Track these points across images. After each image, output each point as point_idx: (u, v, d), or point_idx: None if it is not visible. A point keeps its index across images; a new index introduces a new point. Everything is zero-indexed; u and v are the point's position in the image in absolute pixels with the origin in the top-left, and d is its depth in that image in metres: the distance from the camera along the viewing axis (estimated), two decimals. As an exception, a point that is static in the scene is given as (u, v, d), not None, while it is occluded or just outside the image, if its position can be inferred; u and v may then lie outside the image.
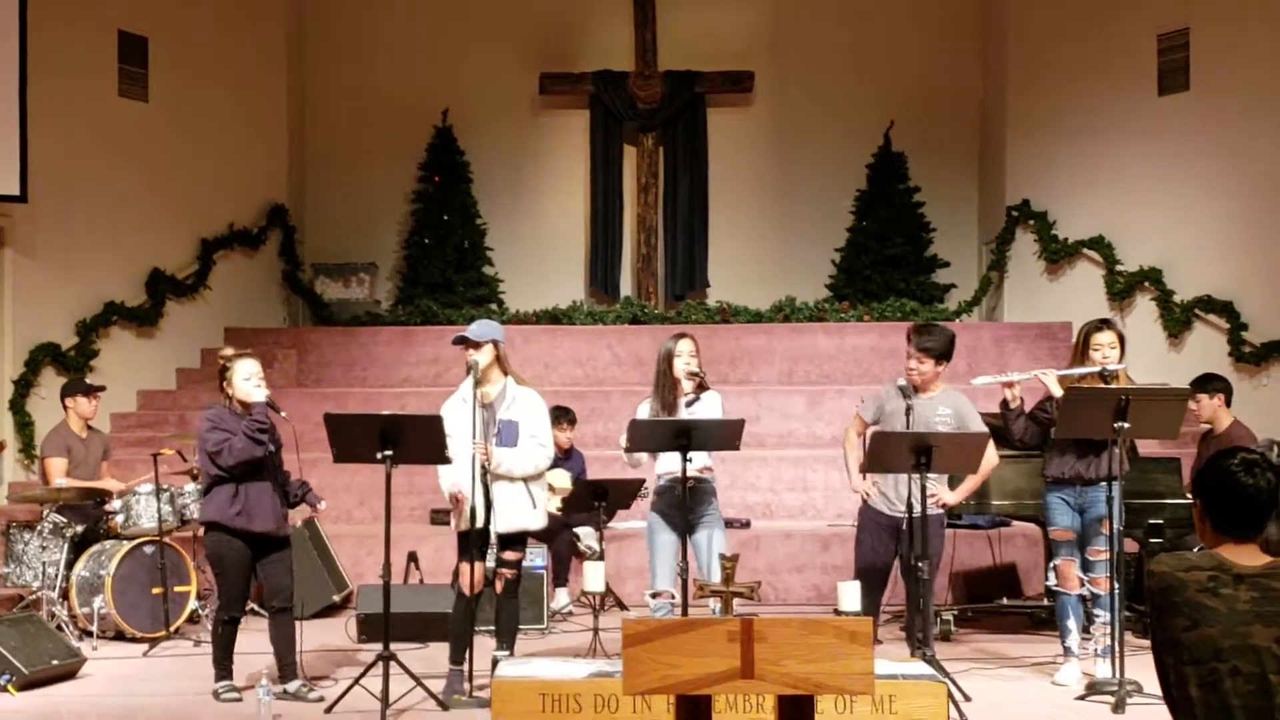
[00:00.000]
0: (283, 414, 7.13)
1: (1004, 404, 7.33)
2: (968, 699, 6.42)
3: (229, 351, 7.35)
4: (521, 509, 6.98)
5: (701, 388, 7.25)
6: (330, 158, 14.85)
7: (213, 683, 7.07)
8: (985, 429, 7.23)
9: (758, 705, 4.95)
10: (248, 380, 7.01)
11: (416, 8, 14.73)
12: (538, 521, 7.11)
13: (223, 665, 7.07)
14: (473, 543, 6.89)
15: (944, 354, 7.29)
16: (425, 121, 14.75)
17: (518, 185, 14.95)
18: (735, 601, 5.45)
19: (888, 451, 6.70)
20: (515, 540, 7.03)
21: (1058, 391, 7.08)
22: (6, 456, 11.26)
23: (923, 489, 6.79)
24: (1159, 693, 6.29)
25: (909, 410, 7.07)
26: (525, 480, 6.98)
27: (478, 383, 6.94)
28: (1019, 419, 7.28)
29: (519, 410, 6.98)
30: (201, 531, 9.38)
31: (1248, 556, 3.38)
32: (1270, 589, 3.31)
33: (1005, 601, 9.45)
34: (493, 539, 6.88)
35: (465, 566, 6.95)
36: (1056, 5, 13.45)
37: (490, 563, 6.92)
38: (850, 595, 6.13)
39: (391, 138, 14.77)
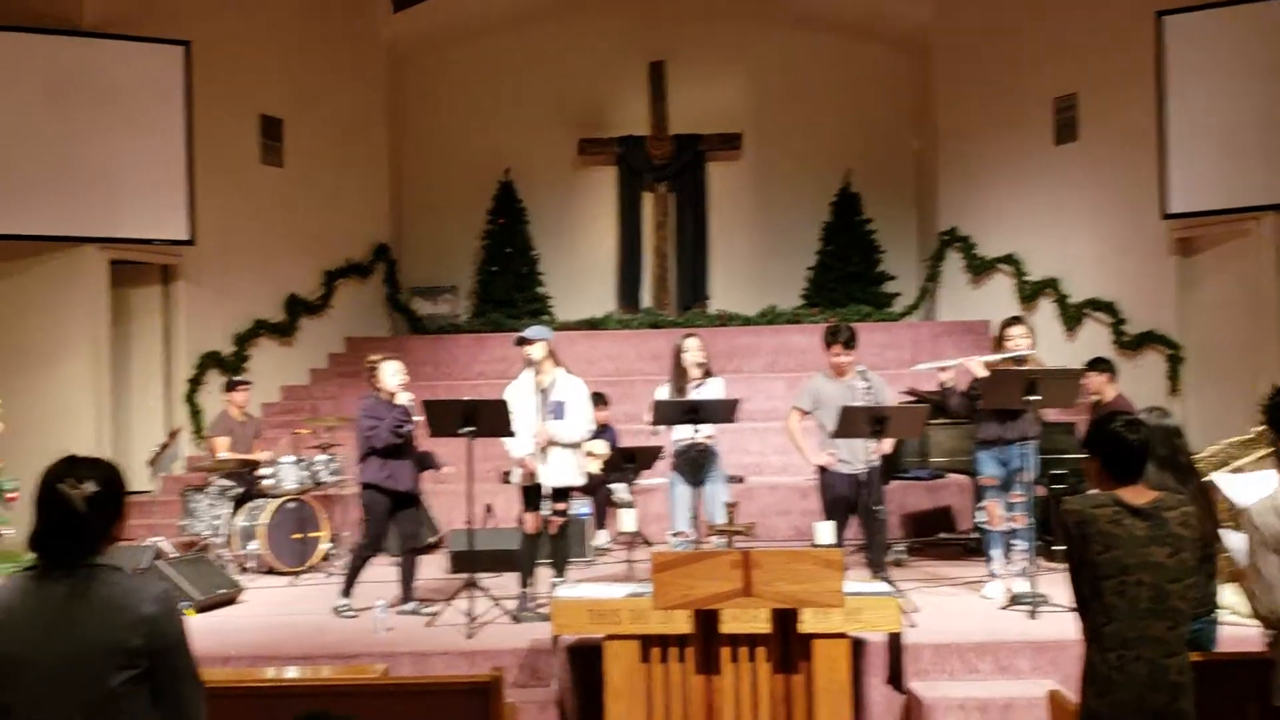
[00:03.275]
0: (416, 416, 7.13)
1: (941, 385, 7.27)
2: (916, 609, 6.38)
3: (376, 356, 7.37)
4: (568, 470, 6.99)
5: (707, 375, 7.21)
6: (421, 206, 14.83)
7: (337, 599, 7.11)
8: (895, 393, 7.19)
9: (754, 616, 4.92)
10: (394, 376, 7.12)
11: (483, 91, 14.72)
12: (579, 480, 7.13)
13: (349, 586, 7.10)
14: (533, 495, 6.92)
15: (856, 345, 7.25)
16: (492, 177, 14.75)
17: (562, 225, 14.92)
18: (736, 538, 5.42)
19: (853, 422, 6.62)
20: (563, 494, 7.03)
21: (982, 373, 7.02)
22: (182, 437, 11.31)
23: (875, 450, 6.74)
24: (1065, 603, 6.29)
25: (868, 389, 6.99)
26: (571, 447, 6.98)
27: (536, 373, 6.94)
28: (954, 396, 7.22)
29: (567, 394, 6.99)
30: (333, 491, 9.50)
31: (1137, 495, 3.37)
32: (1160, 518, 3.33)
33: (943, 535, 9.40)
34: (546, 492, 6.88)
35: (527, 514, 6.97)
36: (975, 76, 13.34)
37: (545, 511, 6.93)
38: (824, 532, 6.07)
39: (467, 190, 14.75)
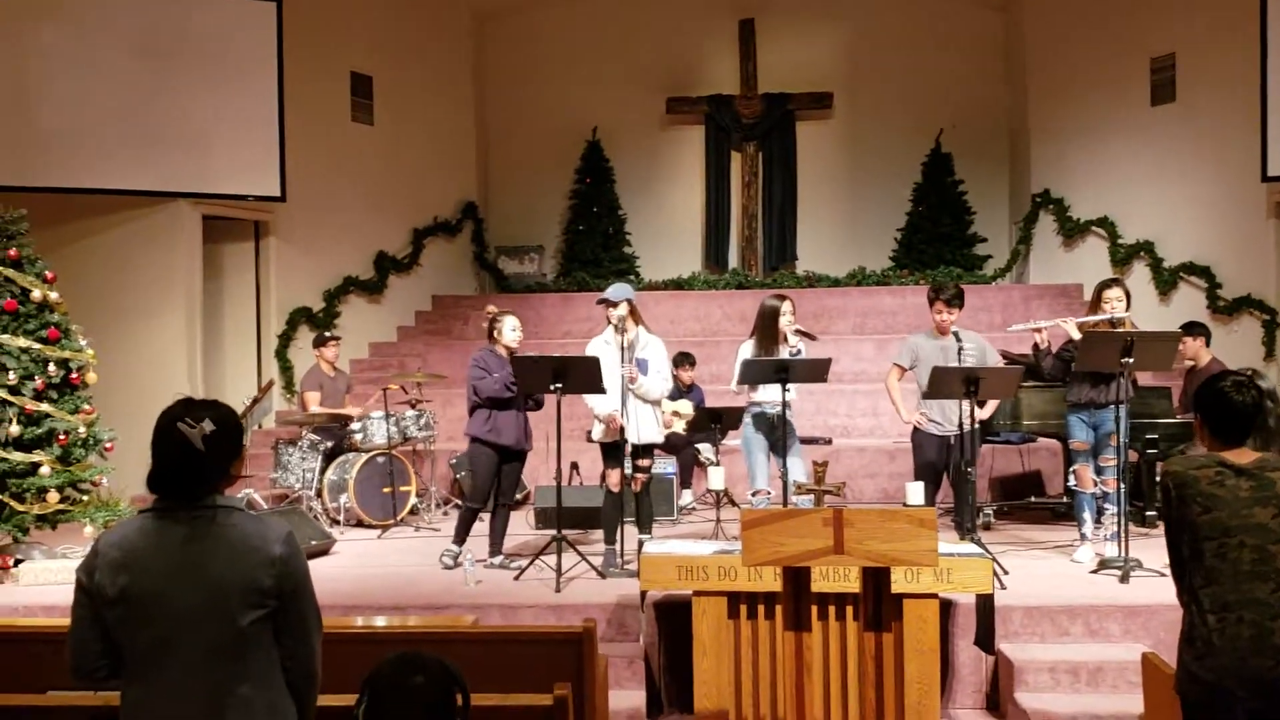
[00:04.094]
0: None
1: (1035, 346, 7.17)
2: (1006, 572, 6.31)
3: (493, 309, 7.45)
4: (649, 427, 7.04)
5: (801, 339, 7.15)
6: (508, 165, 14.88)
7: (445, 547, 7.29)
8: (999, 357, 7.13)
9: (844, 575, 4.91)
10: (514, 331, 7.23)
11: (572, 50, 14.68)
12: (659, 437, 7.18)
13: (459, 537, 7.23)
14: (617, 452, 6.97)
15: (962, 303, 7.21)
16: (579, 137, 14.73)
17: (649, 185, 14.88)
18: (826, 497, 5.41)
19: (946, 383, 6.57)
20: (646, 450, 7.08)
21: (1076, 335, 6.90)
22: (274, 392, 11.54)
23: (972, 411, 6.67)
24: (1156, 568, 6.21)
25: (960, 350, 6.93)
26: (652, 404, 7.03)
27: (619, 331, 6.98)
28: (1047, 357, 7.11)
29: (649, 352, 7.05)
30: (420, 446, 9.65)
31: (1241, 456, 3.31)
32: (1264, 479, 3.27)
33: (1033, 499, 9.30)
34: (628, 449, 6.93)
35: (611, 471, 7.02)
36: (1068, 35, 13.03)
37: (628, 469, 6.98)
38: (915, 493, 6.02)
39: (554, 149, 14.75)
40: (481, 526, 7.44)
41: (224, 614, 2.56)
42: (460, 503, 8.49)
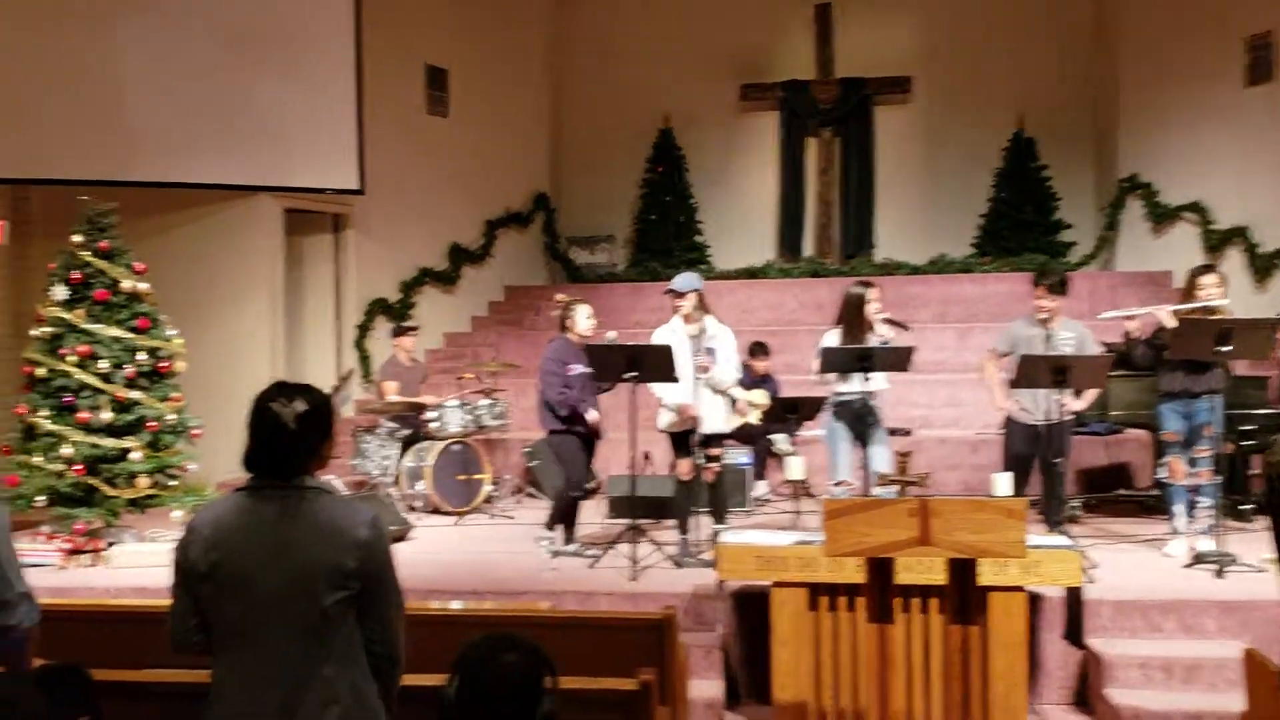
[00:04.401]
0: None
1: (1126, 334, 7.00)
2: (1095, 565, 6.18)
3: (563, 297, 7.43)
4: (718, 417, 7.01)
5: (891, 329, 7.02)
6: (580, 155, 14.90)
7: (543, 532, 7.23)
8: (1101, 350, 6.95)
9: (929, 566, 4.83)
10: (589, 319, 7.24)
11: (643, 37, 14.64)
12: (728, 427, 7.13)
13: (553, 525, 7.20)
14: (686, 441, 6.95)
15: (1064, 291, 7.01)
16: (651, 125, 14.69)
17: (722, 173, 14.80)
18: (909, 488, 5.33)
19: (1033, 372, 6.44)
20: (716, 440, 7.04)
21: (1172, 324, 6.70)
22: (353, 381, 11.66)
23: (1065, 402, 6.54)
24: (1253, 563, 6.04)
25: (1048, 338, 6.79)
26: (721, 394, 7.00)
27: (687, 320, 6.96)
28: (1139, 346, 6.94)
29: (717, 342, 7.01)
30: (495, 434, 9.70)
31: (1346, 444, 3.20)
32: None
33: (1121, 492, 9.09)
34: (695, 439, 6.90)
35: (681, 460, 7.00)
36: (1159, 15, 12.70)
37: (699, 459, 6.93)
38: (1003, 484, 5.90)
39: (625, 138, 14.73)
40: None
41: (309, 594, 2.60)
42: (532, 491, 8.52)
